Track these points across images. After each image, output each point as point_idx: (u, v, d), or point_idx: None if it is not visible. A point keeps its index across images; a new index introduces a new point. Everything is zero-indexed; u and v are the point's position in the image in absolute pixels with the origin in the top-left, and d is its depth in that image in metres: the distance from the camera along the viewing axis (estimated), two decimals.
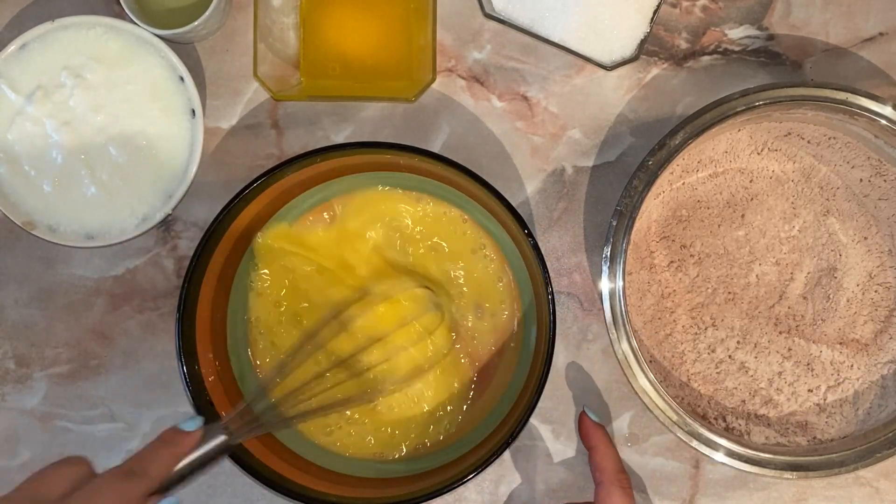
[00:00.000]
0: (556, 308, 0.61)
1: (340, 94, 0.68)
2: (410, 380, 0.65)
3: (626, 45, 0.66)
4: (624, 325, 0.61)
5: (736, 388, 0.67)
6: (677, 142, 0.62)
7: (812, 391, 0.67)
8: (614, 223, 0.62)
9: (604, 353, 0.69)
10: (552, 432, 0.69)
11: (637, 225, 0.63)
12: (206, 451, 0.52)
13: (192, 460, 0.51)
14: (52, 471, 0.46)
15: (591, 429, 0.65)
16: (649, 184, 0.62)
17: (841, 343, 0.67)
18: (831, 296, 0.67)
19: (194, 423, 0.52)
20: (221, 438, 0.53)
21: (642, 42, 0.66)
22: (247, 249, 0.67)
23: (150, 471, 0.48)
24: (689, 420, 0.62)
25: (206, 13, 0.63)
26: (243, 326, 0.67)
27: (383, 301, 0.64)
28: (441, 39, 0.69)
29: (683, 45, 0.70)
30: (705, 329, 0.67)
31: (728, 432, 0.65)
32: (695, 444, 0.62)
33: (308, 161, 0.62)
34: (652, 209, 0.67)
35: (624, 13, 0.65)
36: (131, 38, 0.65)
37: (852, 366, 0.67)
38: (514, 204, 0.61)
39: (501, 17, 0.66)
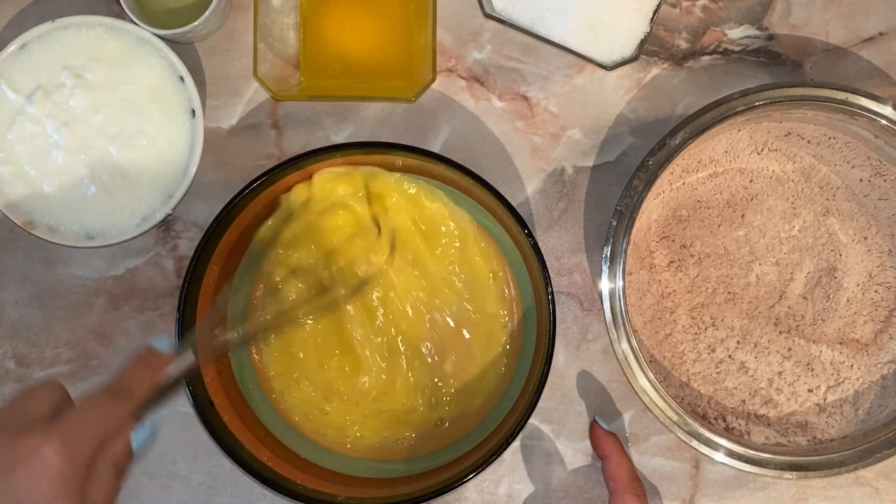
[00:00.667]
0: (556, 308, 0.61)
1: (340, 94, 0.68)
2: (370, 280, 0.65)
3: (626, 45, 0.66)
4: (624, 325, 0.61)
5: (736, 388, 0.67)
6: (677, 142, 0.62)
7: (812, 391, 0.67)
8: (614, 223, 0.62)
9: (604, 353, 0.69)
10: (552, 432, 0.69)
11: (637, 225, 0.63)
12: (181, 369, 0.52)
13: (168, 379, 0.51)
14: (29, 394, 0.46)
15: (603, 438, 0.64)
16: (649, 184, 0.62)
17: (841, 343, 0.67)
18: (831, 296, 0.67)
19: (167, 343, 0.52)
20: (192, 357, 0.53)
21: (642, 42, 0.66)
22: (248, 248, 0.67)
23: (134, 390, 0.48)
24: (689, 420, 0.62)
25: (206, 13, 0.63)
26: (243, 326, 0.67)
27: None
28: (441, 39, 0.69)
29: (683, 45, 0.70)
30: (705, 329, 0.67)
31: (728, 432, 0.65)
32: (695, 444, 0.62)
33: (308, 161, 0.62)
34: (652, 209, 0.67)
35: (624, 13, 0.65)
36: (131, 38, 0.65)
37: (852, 366, 0.67)
38: (514, 204, 0.61)
39: (501, 17, 0.66)
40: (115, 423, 0.46)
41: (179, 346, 0.53)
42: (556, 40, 0.66)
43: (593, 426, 0.66)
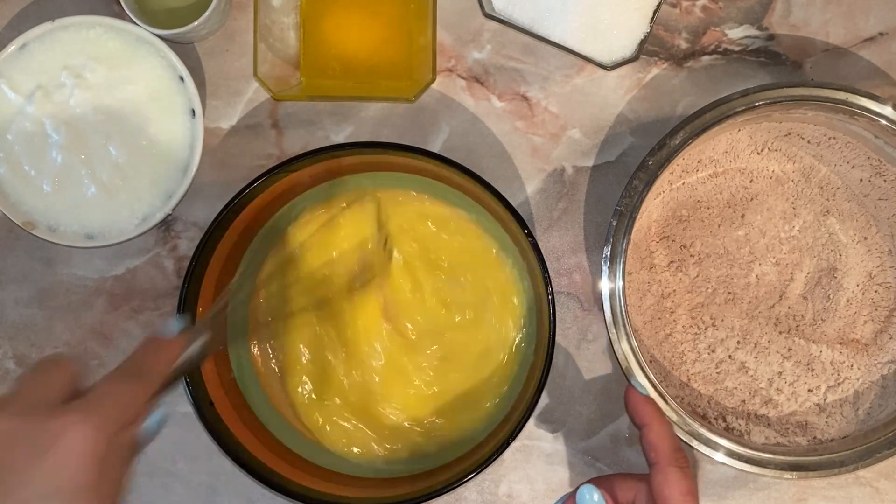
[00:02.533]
0: (556, 308, 0.61)
1: (340, 94, 0.68)
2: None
3: (626, 45, 0.66)
4: (624, 325, 0.61)
5: (736, 388, 0.67)
6: (677, 142, 0.62)
7: (812, 391, 0.67)
8: (614, 223, 0.62)
9: (604, 353, 0.69)
10: (552, 432, 0.69)
11: (637, 225, 0.63)
12: (193, 351, 0.51)
13: (181, 362, 0.50)
14: (41, 373, 0.45)
15: (641, 404, 0.58)
16: (649, 184, 0.62)
17: (841, 343, 0.67)
18: (831, 296, 0.67)
19: (178, 324, 0.51)
20: (205, 337, 0.52)
21: (642, 42, 0.66)
22: (247, 248, 0.67)
23: (151, 373, 0.47)
24: (689, 420, 0.62)
25: (206, 13, 0.63)
26: (243, 325, 0.67)
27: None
28: (441, 39, 0.69)
29: (683, 45, 0.70)
30: (705, 329, 0.67)
31: (728, 432, 0.65)
32: (695, 444, 0.62)
33: (308, 161, 0.62)
34: (652, 209, 0.67)
35: (624, 13, 0.65)
36: (131, 38, 0.65)
37: (852, 366, 0.67)
38: (514, 204, 0.61)
39: (501, 17, 0.66)
40: (135, 406, 0.45)
41: (193, 326, 0.52)
42: (556, 40, 0.66)
43: (629, 392, 0.59)
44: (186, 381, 0.61)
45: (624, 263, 0.62)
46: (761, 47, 0.70)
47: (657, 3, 0.65)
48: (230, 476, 0.68)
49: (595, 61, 0.67)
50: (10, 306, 0.69)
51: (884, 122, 0.63)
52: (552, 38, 0.66)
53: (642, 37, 0.66)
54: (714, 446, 0.62)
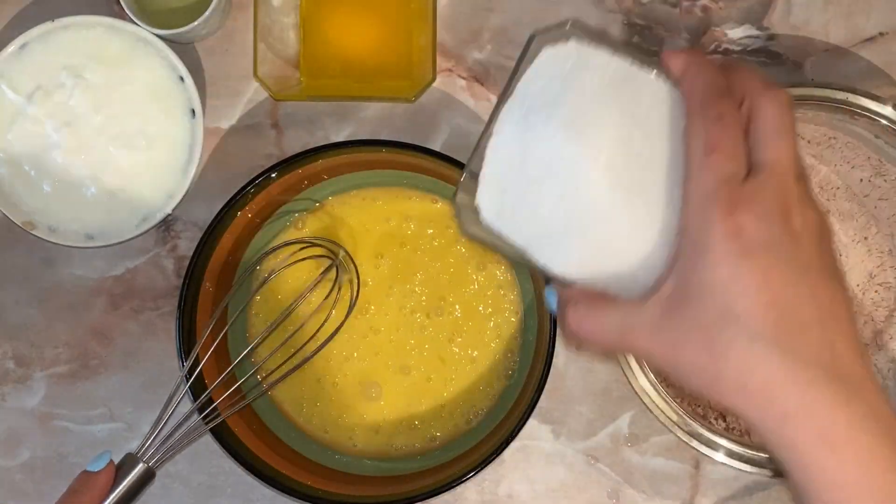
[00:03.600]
0: None
1: (340, 94, 0.68)
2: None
3: None
4: None
5: None
6: None
7: None
8: None
9: (604, 353, 0.69)
10: (552, 432, 0.69)
11: None
12: (128, 484, 0.52)
13: (116, 498, 0.51)
14: None
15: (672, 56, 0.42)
16: None
17: None
18: None
19: (102, 461, 0.51)
20: (140, 467, 0.53)
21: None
22: (247, 248, 0.67)
23: None
24: (689, 420, 0.62)
25: (206, 13, 0.63)
26: (243, 324, 0.67)
27: None
28: (441, 39, 0.69)
29: (683, 45, 0.69)
30: None
31: (728, 432, 0.65)
32: (695, 444, 0.62)
33: (308, 159, 0.62)
34: None
35: None
36: (131, 38, 0.65)
37: None
38: None
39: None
40: None
41: (125, 458, 0.53)
42: None
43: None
44: (188, 380, 0.61)
45: None
46: (761, 47, 0.70)
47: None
48: (230, 476, 0.68)
49: None
50: (10, 306, 0.69)
51: (884, 122, 0.63)
52: None
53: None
54: (714, 446, 0.62)
